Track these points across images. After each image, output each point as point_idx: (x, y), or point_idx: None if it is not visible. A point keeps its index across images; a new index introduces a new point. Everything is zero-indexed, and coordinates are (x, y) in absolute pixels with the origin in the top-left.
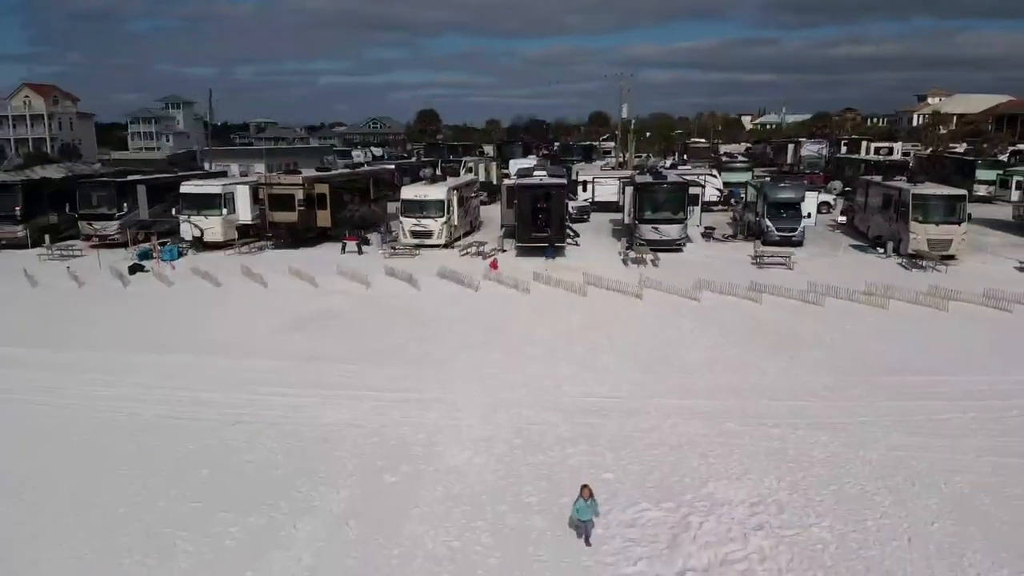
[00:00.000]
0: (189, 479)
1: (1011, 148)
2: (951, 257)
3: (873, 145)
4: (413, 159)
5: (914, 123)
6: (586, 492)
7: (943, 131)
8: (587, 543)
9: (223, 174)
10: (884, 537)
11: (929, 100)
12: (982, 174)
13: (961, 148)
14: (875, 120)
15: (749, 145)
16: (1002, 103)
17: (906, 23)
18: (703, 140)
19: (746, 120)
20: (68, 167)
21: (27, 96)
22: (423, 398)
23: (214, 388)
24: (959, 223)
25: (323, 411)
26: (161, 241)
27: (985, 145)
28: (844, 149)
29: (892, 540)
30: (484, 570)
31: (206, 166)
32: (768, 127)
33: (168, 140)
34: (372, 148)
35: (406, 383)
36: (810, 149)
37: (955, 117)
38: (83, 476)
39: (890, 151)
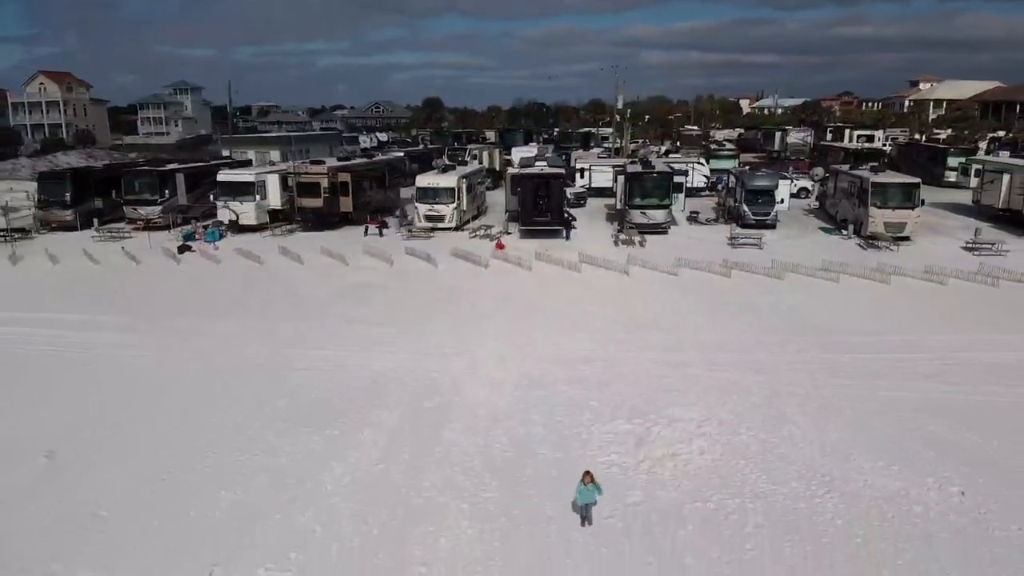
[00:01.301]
0: (272, 408)
1: (990, 135)
2: (906, 238)
3: (856, 133)
4: (420, 146)
5: (905, 108)
6: (587, 478)
7: (933, 116)
8: (588, 523)
9: (248, 163)
10: (794, 442)
11: (921, 86)
12: (953, 161)
13: (944, 135)
14: (870, 104)
15: (742, 131)
16: (989, 90)
17: (906, 5)
18: (695, 128)
19: (744, 103)
20: (87, 153)
21: (42, 83)
22: (447, 352)
23: (274, 346)
24: (913, 208)
25: (368, 362)
26: (204, 224)
27: (966, 132)
28: (830, 136)
29: (799, 444)
30: (503, 459)
31: (224, 153)
32: (765, 111)
33: (177, 125)
34: (377, 133)
35: (432, 341)
36: (795, 137)
37: (944, 103)
38: (187, 408)
39: (871, 139)
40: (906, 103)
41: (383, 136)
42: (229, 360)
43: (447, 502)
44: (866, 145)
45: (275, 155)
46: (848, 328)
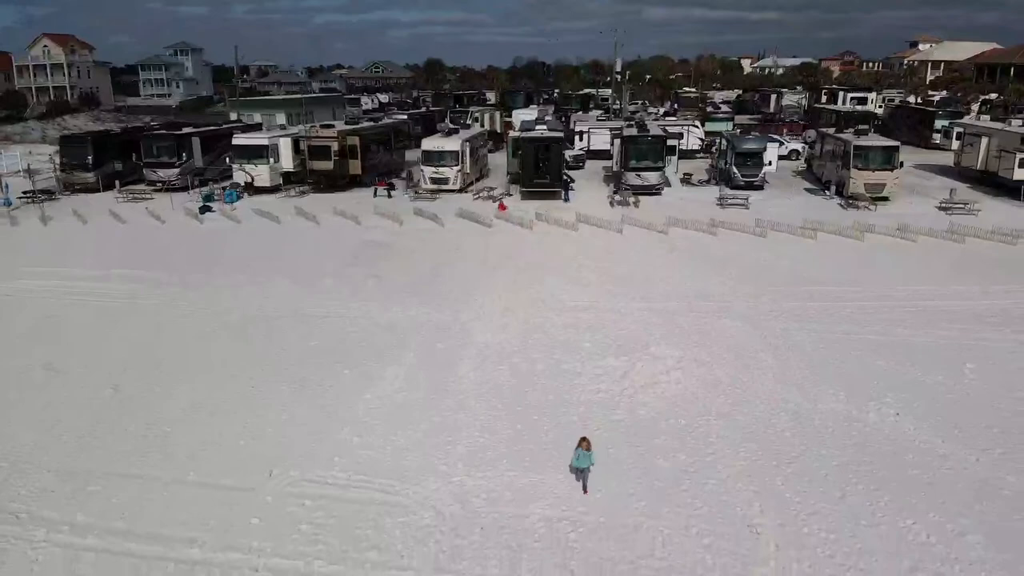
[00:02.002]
0: (306, 348)
1: (982, 98)
2: (885, 198)
3: (849, 95)
4: (422, 108)
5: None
6: (585, 444)
7: (930, 78)
8: (584, 490)
9: (259, 126)
10: (759, 376)
11: (920, 46)
12: (939, 124)
13: (938, 97)
14: (871, 64)
15: (740, 92)
16: (986, 51)
17: None
18: (693, 90)
19: (746, 63)
20: (94, 116)
21: (46, 46)
22: (456, 302)
23: (300, 297)
24: (892, 170)
25: (385, 311)
26: (222, 186)
27: (959, 94)
28: (824, 99)
29: (763, 377)
30: (509, 388)
31: (232, 116)
32: (766, 71)
33: (178, 87)
34: (378, 94)
35: (442, 293)
36: (790, 99)
37: (942, 64)
38: (230, 349)
39: (863, 101)
40: (905, 64)
41: (384, 97)
42: (262, 309)
43: (461, 418)
44: (857, 107)
45: (281, 118)
46: (820, 280)
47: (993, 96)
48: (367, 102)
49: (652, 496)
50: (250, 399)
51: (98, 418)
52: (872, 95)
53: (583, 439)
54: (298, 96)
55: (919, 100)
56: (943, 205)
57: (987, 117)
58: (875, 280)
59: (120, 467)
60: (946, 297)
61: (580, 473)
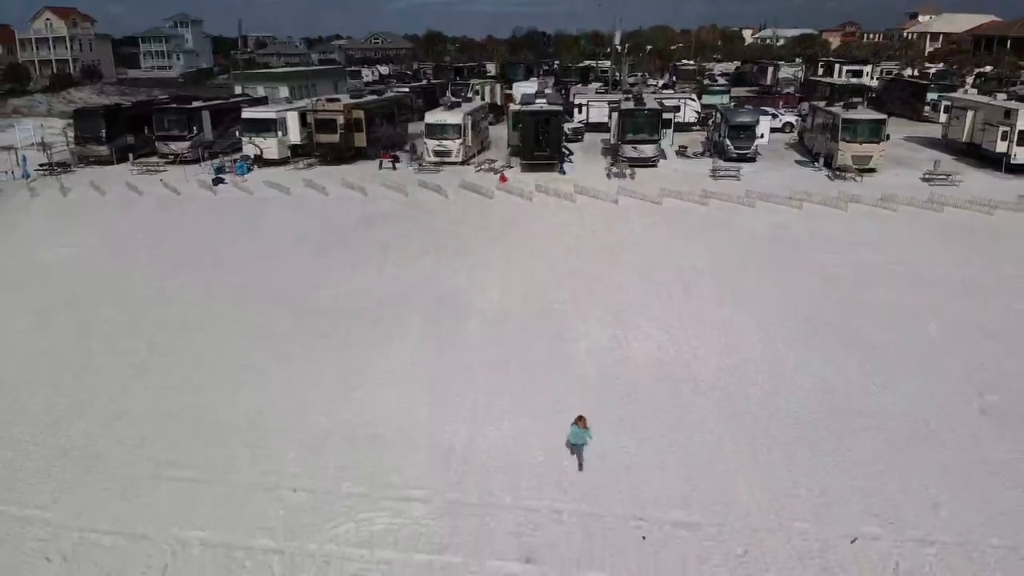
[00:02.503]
0: (322, 313)
1: (977, 70)
2: (872, 170)
3: (845, 68)
4: (424, 81)
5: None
6: (582, 422)
7: (929, 50)
8: (580, 467)
9: (264, 100)
10: (740, 338)
11: (920, 18)
12: (931, 97)
13: (934, 69)
14: (872, 36)
15: (739, 64)
16: (984, 23)
17: None
18: (692, 62)
19: (747, 34)
20: (98, 89)
21: (48, 19)
22: (461, 269)
23: (313, 266)
24: (879, 142)
25: (395, 277)
26: (232, 159)
27: (955, 67)
28: (821, 71)
29: (745, 341)
30: (511, 347)
31: (237, 89)
32: (767, 42)
33: (178, 59)
34: (378, 66)
35: (446, 261)
36: (786, 72)
37: (940, 36)
38: (257, 311)
39: (858, 74)
40: (904, 36)
41: (384, 69)
42: (278, 277)
43: (467, 376)
44: (851, 80)
45: (284, 91)
46: (803, 248)
47: (988, 69)
48: (368, 74)
49: (640, 441)
50: (278, 353)
51: (136, 373)
52: (868, 68)
53: (580, 417)
54: (301, 69)
55: (916, 73)
56: (927, 176)
57: (974, 91)
58: (856, 247)
59: (166, 407)
60: (920, 263)
61: (576, 449)
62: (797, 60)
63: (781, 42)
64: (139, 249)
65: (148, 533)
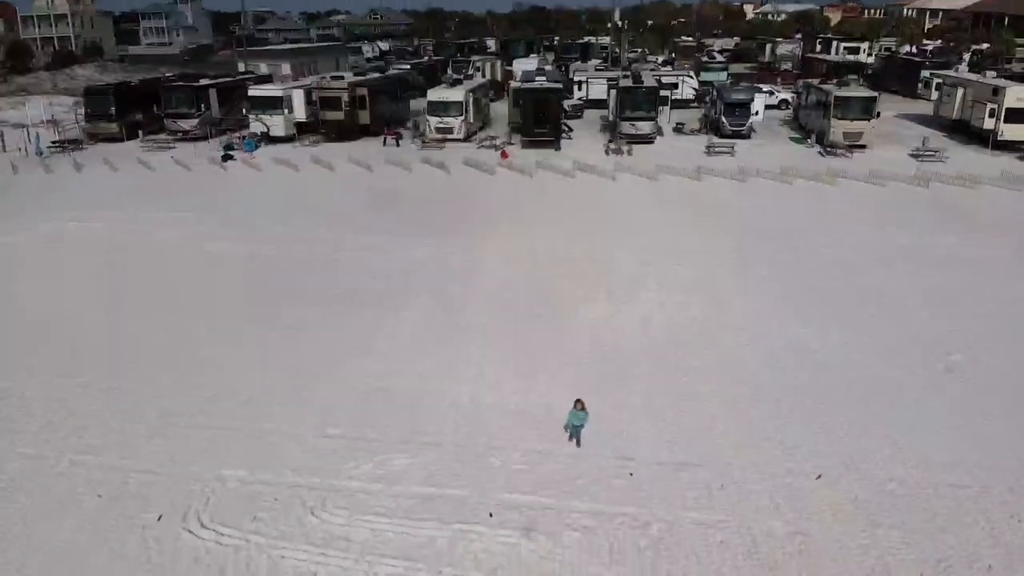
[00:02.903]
0: (336, 284)
1: (973, 47)
2: (862, 146)
3: (843, 45)
4: (424, 58)
5: (904, 16)
6: (579, 405)
7: (928, 26)
8: (578, 444)
9: (269, 78)
10: (728, 309)
11: None
12: (925, 75)
13: (931, 46)
14: (872, 12)
15: (738, 41)
16: (983, 0)
17: None
18: (691, 39)
19: (749, 8)
20: (101, 66)
21: None
22: (463, 244)
23: (324, 239)
24: (870, 119)
25: (398, 251)
26: (240, 135)
27: (952, 44)
28: (819, 48)
29: (733, 311)
30: (513, 317)
31: (240, 66)
32: (768, 17)
33: (179, 35)
34: (379, 43)
35: (450, 235)
36: (785, 48)
37: (940, 13)
38: (268, 283)
39: (855, 51)
40: (905, 12)
41: (385, 45)
42: (291, 249)
43: (472, 341)
44: (848, 57)
45: (287, 68)
46: (790, 222)
47: (985, 46)
48: (368, 50)
49: (632, 395)
50: (295, 325)
51: (163, 331)
52: (864, 45)
53: (578, 400)
54: (303, 46)
55: (914, 50)
56: (915, 152)
57: (965, 68)
58: (841, 221)
59: (207, 355)
60: (898, 236)
61: (574, 430)
62: (797, 36)
63: (783, 17)
64: (152, 222)
65: (191, 472)
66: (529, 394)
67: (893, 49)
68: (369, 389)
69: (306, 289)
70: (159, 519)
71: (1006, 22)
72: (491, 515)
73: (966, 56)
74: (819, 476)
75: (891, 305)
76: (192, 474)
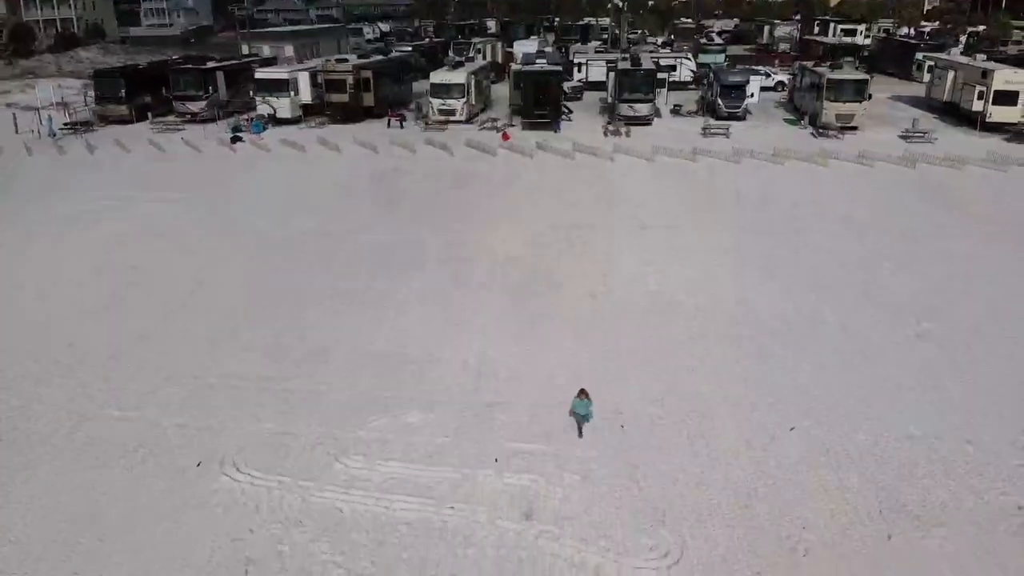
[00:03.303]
0: (348, 256)
1: (970, 29)
2: (854, 128)
3: (840, 27)
4: (425, 40)
5: None
6: (583, 394)
7: (929, 8)
8: (579, 435)
9: (274, 60)
10: (718, 276)
11: None
12: (920, 57)
13: (929, 28)
14: None
15: (738, 22)
16: None
17: None
18: (690, 21)
19: None
20: (104, 48)
21: None
22: (469, 218)
23: (334, 217)
24: (861, 101)
25: (409, 228)
26: (248, 117)
27: (949, 26)
28: (816, 30)
29: (721, 279)
30: (517, 280)
31: (244, 48)
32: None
33: (179, 16)
34: (379, 24)
35: (454, 212)
36: (782, 31)
37: None
38: (286, 258)
39: (852, 33)
40: None
41: (385, 26)
42: (303, 226)
43: (477, 307)
44: (844, 39)
45: (289, 50)
46: (779, 201)
47: (981, 29)
48: (369, 31)
49: (623, 353)
50: (310, 296)
51: (194, 303)
52: (861, 27)
53: (582, 390)
54: (305, 28)
55: (912, 32)
56: (904, 134)
57: (957, 51)
58: (830, 199)
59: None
60: (882, 213)
61: (579, 419)
62: (796, 17)
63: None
64: (168, 201)
65: (225, 426)
66: (531, 355)
67: (890, 31)
68: (382, 353)
69: (318, 262)
70: (198, 465)
71: (1003, 4)
72: (496, 460)
73: (963, 38)
74: (792, 428)
75: (866, 274)
76: (225, 427)
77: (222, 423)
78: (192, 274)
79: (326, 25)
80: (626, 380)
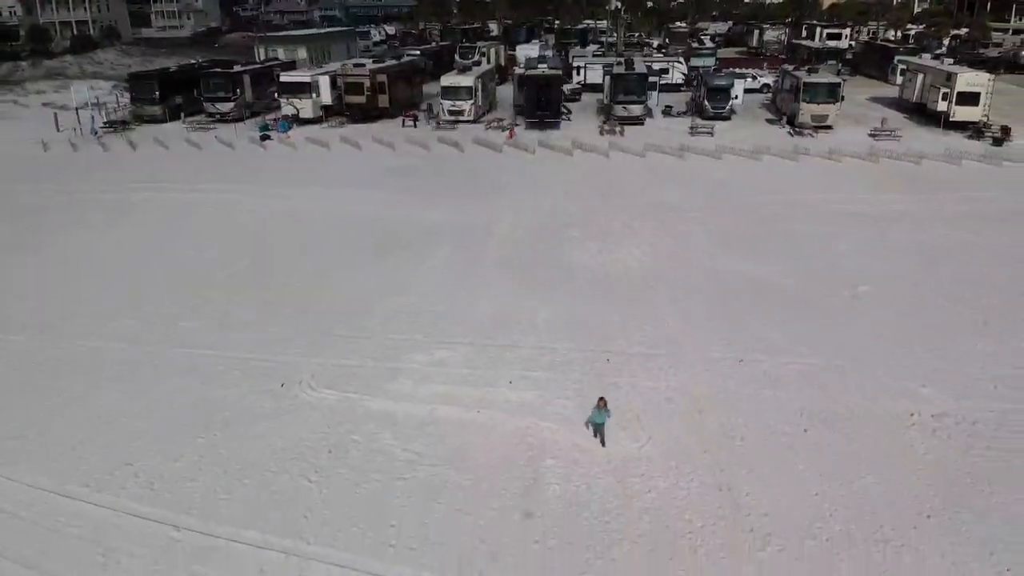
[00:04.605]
0: (359, 239)
1: (952, 32)
2: (828, 127)
3: (826, 31)
4: (432, 44)
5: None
6: (602, 403)
7: (918, 10)
8: (603, 444)
9: (292, 64)
10: (695, 250)
11: None
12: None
13: (914, 31)
14: None
15: (731, 25)
16: None
17: None
18: (684, 24)
19: None
20: (123, 50)
21: None
22: (479, 206)
23: (361, 205)
24: (835, 103)
25: (424, 215)
26: (274, 117)
27: (933, 28)
28: (804, 34)
29: (699, 251)
30: (523, 260)
31: (260, 52)
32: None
33: (189, 18)
34: (385, 26)
35: (466, 201)
36: (771, 35)
37: None
38: (319, 239)
39: (837, 36)
40: None
41: (391, 29)
42: (335, 211)
43: (489, 279)
44: (828, 44)
45: (303, 52)
46: (752, 191)
47: (964, 31)
48: (375, 34)
49: (613, 310)
50: (345, 269)
51: (255, 282)
52: (846, 31)
53: (600, 399)
54: (317, 32)
55: (898, 34)
56: (873, 132)
57: (927, 55)
58: (799, 190)
59: (288, 295)
60: (848, 202)
61: (598, 428)
62: (788, 20)
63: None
64: (211, 191)
65: (298, 360)
66: (535, 311)
67: (877, 33)
68: (416, 308)
69: (355, 240)
70: (282, 386)
71: (988, 7)
72: (510, 382)
73: (946, 41)
74: (741, 360)
75: (820, 251)
76: (301, 361)
77: (295, 358)
78: (259, 246)
79: (336, 29)
80: (614, 327)
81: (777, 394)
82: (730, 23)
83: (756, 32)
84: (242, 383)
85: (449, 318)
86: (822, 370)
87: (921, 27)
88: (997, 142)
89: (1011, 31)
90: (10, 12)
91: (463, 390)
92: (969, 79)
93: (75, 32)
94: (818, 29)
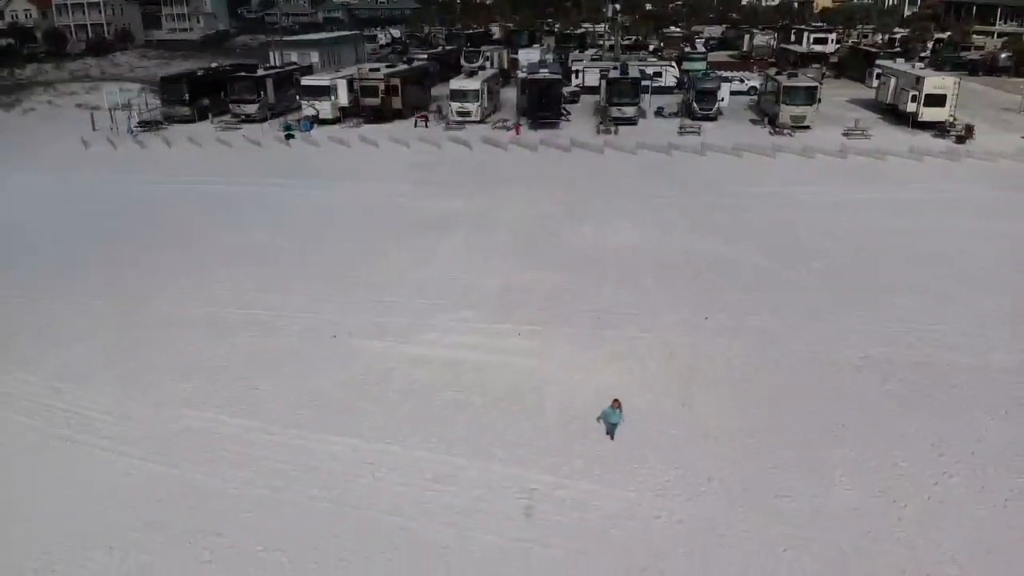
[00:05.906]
0: (386, 224)
1: (936, 36)
2: (806, 127)
3: (813, 36)
4: (439, 48)
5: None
6: (616, 404)
7: (908, 14)
8: (611, 438)
9: (309, 68)
10: (675, 236)
11: None
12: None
13: (900, 35)
14: None
15: (724, 29)
16: None
17: None
18: (678, 29)
19: None
20: (141, 53)
21: None
22: (486, 198)
23: (383, 195)
24: (812, 104)
25: (437, 205)
26: (297, 118)
27: (917, 32)
28: (793, 38)
29: (678, 236)
30: (526, 243)
31: (272, 57)
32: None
33: (199, 21)
34: (391, 30)
35: (476, 192)
36: (760, 39)
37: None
38: (348, 224)
39: (823, 41)
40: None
41: (396, 32)
42: (363, 199)
43: (497, 252)
44: (813, 48)
45: (315, 56)
46: (729, 184)
47: (947, 35)
48: (382, 37)
49: (605, 282)
50: (377, 252)
51: (303, 259)
52: (832, 36)
53: (615, 400)
54: (327, 36)
55: (884, 39)
56: (846, 131)
57: (902, 60)
58: (773, 183)
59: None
60: (805, 192)
61: (610, 427)
62: (780, 23)
63: (776, 1)
64: (247, 184)
65: (343, 319)
66: (538, 282)
67: (865, 37)
68: (439, 279)
69: (384, 224)
70: (334, 337)
71: (974, 12)
72: (519, 334)
73: (930, 45)
74: (706, 318)
75: (782, 234)
76: (344, 320)
77: (342, 318)
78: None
79: (343, 33)
80: (604, 293)
81: (734, 342)
82: (724, 27)
83: (746, 37)
84: (303, 335)
85: (467, 286)
86: (777, 327)
87: (907, 31)
88: (960, 140)
89: (995, 35)
90: (26, 15)
91: (481, 339)
92: (936, 82)
93: (89, 35)
94: (805, 33)
